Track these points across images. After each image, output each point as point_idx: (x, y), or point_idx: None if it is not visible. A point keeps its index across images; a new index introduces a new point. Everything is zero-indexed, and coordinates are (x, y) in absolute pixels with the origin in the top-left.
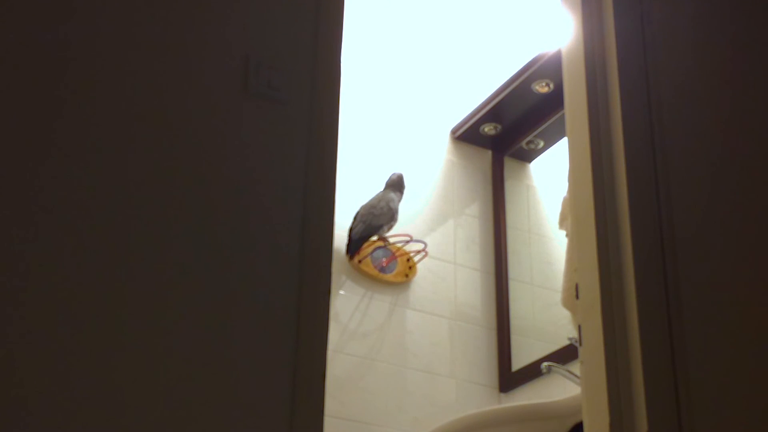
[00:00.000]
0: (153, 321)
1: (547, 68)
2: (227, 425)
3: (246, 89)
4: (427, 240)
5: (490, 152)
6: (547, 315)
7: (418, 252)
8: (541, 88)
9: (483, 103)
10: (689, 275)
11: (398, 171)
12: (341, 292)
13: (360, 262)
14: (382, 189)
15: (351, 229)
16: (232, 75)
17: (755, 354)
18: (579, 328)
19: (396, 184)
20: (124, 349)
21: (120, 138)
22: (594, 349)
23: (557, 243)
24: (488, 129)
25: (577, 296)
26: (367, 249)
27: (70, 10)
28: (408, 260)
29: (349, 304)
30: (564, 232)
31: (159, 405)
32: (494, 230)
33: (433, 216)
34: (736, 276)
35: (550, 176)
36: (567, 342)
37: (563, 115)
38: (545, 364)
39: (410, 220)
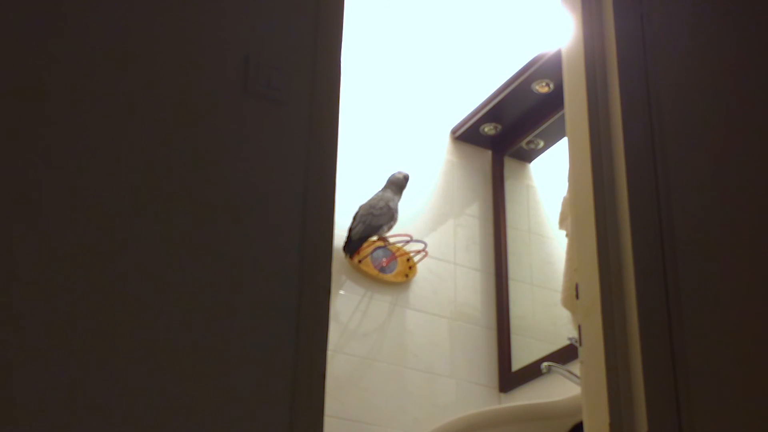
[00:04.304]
0: (153, 321)
1: (547, 68)
2: (227, 425)
3: (246, 89)
4: (427, 240)
5: (490, 152)
6: (547, 315)
7: (418, 252)
8: (541, 88)
9: (483, 103)
10: (689, 275)
11: (404, 171)
12: (341, 292)
13: (360, 262)
14: (382, 187)
15: (351, 229)
16: (232, 75)
17: (755, 354)
18: (579, 328)
19: (397, 183)
20: (124, 349)
21: (119, 138)
22: (594, 349)
23: (557, 243)
24: (488, 129)
25: (577, 296)
26: (367, 249)
27: (69, 9)
28: (408, 260)
29: (349, 304)
30: (564, 232)
31: (159, 405)
32: (494, 230)
33: (433, 216)
34: (736, 276)
35: (550, 176)
36: (567, 342)
37: (563, 115)
38: (545, 364)
39: (410, 220)
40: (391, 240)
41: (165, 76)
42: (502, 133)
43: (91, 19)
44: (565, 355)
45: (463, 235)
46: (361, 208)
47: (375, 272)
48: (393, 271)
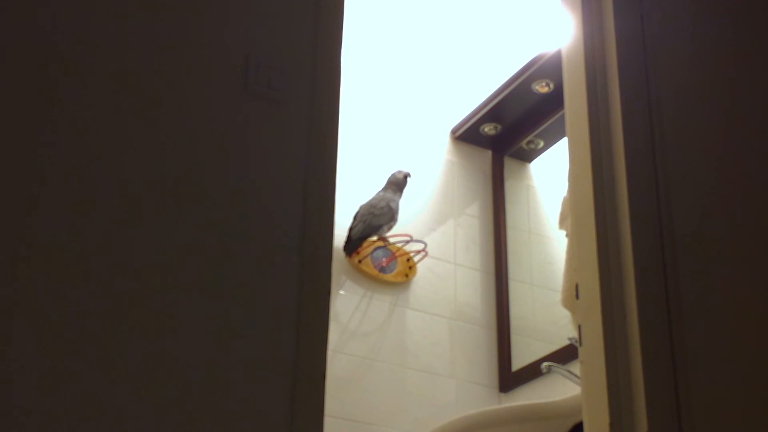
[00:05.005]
0: (153, 321)
1: (547, 68)
2: (227, 425)
3: (246, 89)
4: (427, 240)
5: (490, 152)
6: (547, 315)
7: (418, 252)
8: (541, 88)
9: (483, 103)
10: (689, 275)
11: (404, 170)
12: (341, 292)
13: (360, 262)
14: (382, 187)
15: (351, 229)
16: (232, 75)
17: (755, 354)
18: (579, 328)
19: (398, 183)
20: (124, 350)
21: (120, 138)
22: (594, 349)
23: (557, 243)
24: (488, 129)
25: (577, 296)
26: (367, 249)
27: (70, 8)
28: (408, 260)
29: (349, 304)
30: (564, 232)
31: (159, 405)
32: (494, 230)
33: (433, 216)
34: (736, 276)
35: (550, 176)
36: (567, 342)
37: (563, 115)
38: (545, 364)
39: (410, 220)
40: (391, 240)
41: (165, 76)
42: (502, 133)
43: (91, 18)
44: (565, 355)
45: (463, 235)
46: (361, 207)
47: (375, 272)
48: (393, 271)
